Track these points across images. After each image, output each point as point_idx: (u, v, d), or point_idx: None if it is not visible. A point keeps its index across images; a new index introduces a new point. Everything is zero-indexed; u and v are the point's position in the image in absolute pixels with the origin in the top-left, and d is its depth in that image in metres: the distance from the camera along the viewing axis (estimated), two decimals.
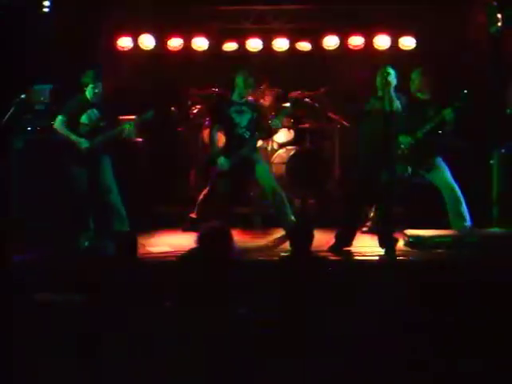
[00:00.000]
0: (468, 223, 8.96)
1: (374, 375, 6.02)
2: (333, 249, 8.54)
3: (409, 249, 8.69)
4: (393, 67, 8.68)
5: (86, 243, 8.74)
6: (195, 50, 11.47)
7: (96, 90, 8.90)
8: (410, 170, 9.09)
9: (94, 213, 8.98)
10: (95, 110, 8.94)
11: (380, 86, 8.60)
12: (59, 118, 8.89)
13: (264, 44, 11.47)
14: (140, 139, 10.57)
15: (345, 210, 8.97)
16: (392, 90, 8.56)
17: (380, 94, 8.59)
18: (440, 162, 9.09)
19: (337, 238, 8.64)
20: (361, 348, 6.11)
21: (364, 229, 9.55)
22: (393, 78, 8.61)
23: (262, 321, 6.24)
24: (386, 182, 8.43)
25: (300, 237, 6.63)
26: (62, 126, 8.87)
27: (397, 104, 8.54)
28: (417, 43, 11.28)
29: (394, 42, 11.32)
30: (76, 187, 8.92)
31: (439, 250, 8.55)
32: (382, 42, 11.31)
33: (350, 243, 8.68)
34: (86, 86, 8.93)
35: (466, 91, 8.89)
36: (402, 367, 6.08)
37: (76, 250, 8.61)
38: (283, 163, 10.86)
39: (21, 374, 6.04)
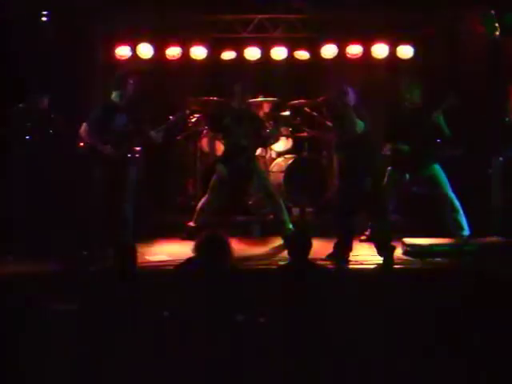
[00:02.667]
0: (466, 232, 8.97)
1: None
2: (331, 257, 8.54)
3: (407, 257, 8.69)
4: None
5: (86, 252, 8.71)
6: (193, 59, 11.46)
7: (121, 96, 8.90)
8: (407, 177, 9.11)
9: (98, 222, 8.91)
10: (123, 116, 8.93)
11: None
12: (84, 125, 8.86)
13: (262, 53, 11.46)
14: (138, 148, 10.57)
15: (340, 219, 8.95)
16: None
17: None
18: (438, 170, 9.08)
19: (335, 247, 8.64)
20: (358, 354, 6.13)
21: (362, 237, 9.55)
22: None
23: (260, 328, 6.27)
24: (375, 191, 8.48)
25: (298, 245, 6.63)
26: (87, 133, 8.83)
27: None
28: (415, 52, 11.28)
29: (392, 51, 11.32)
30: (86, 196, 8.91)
31: (437, 259, 8.55)
32: (380, 51, 11.31)
33: (348, 252, 8.68)
34: (111, 93, 8.95)
35: (452, 93, 8.91)
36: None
37: (76, 259, 8.60)
38: (281, 172, 10.87)
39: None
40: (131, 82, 8.96)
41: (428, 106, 9.09)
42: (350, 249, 8.70)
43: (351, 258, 8.65)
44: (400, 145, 9.01)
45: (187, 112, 11.25)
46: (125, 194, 8.90)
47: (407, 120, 9.00)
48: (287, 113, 11.26)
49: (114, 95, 8.95)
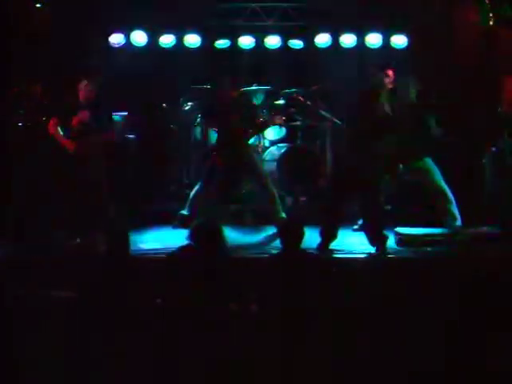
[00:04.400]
0: (458, 222, 8.98)
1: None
2: (320, 247, 8.55)
3: (399, 247, 8.71)
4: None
5: (78, 240, 8.72)
6: (187, 47, 11.46)
7: (89, 91, 8.89)
8: (401, 167, 9.11)
9: (85, 210, 8.92)
10: (87, 112, 8.91)
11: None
12: (51, 118, 8.88)
13: (256, 41, 11.47)
14: (132, 136, 10.58)
15: (329, 206, 8.97)
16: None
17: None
18: (429, 162, 9.08)
19: (321, 235, 8.65)
20: (351, 343, 6.15)
21: (355, 227, 9.56)
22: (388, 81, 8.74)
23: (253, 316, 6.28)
24: (377, 181, 8.49)
25: (291, 234, 6.64)
26: (53, 127, 8.84)
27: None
28: (409, 42, 11.29)
29: (386, 41, 11.32)
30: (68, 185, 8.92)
31: (429, 249, 8.57)
32: (373, 40, 11.32)
33: (334, 237, 8.68)
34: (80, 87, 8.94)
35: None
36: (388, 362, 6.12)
37: (68, 246, 8.60)
38: (275, 160, 10.86)
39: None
40: (86, 83, 8.92)
41: (421, 100, 9.09)
42: (334, 236, 8.71)
43: (343, 247, 8.66)
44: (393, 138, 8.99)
45: (181, 100, 11.27)
46: (94, 187, 8.91)
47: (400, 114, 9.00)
48: (281, 101, 11.25)
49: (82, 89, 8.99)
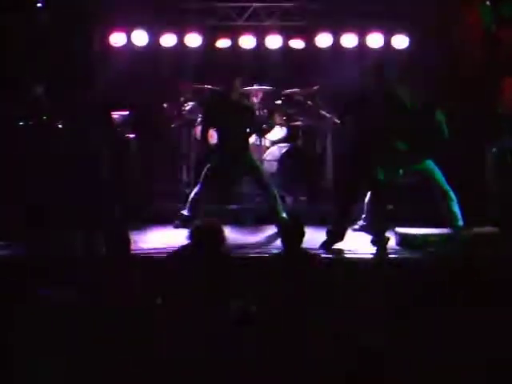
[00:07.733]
0: (460, 222, 8.98)
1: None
2: (324, 246, 8.55)
3: (400, 247, 8.70)
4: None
5: (81, 240, 8.71)
6: (188, 47, 11.46)
7: None
8: (401, 172, 9.10)
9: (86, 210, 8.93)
10: None
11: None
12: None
13: (257, 41, 11.46)
14: (132, 135, 10.57)
15: (336, 207, 8.97)
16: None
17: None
18: (431, 164, 9.07)
19: (328, 235, 8.65)
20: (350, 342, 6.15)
21: (355, 227, 9.55)
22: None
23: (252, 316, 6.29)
24: (379, 181, 8.50)
25: (291, 234, 6.64)
26: None
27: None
28: (410, 42, 11.29)
29: (387, 41, 11.32)
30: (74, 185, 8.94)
31: (430, 249, 8.56)
32: (374, 40, 11.31)
33: (341, 240, 8.69)
34: None
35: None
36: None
37: (70, 247, 8.60)
38: (275, 160, 10.85)
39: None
40: None
41: (423, 104, 9.09)
42: (342, 236, 8.71)
43: (344, 247, 8.66)
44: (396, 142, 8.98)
45: (182, 100, 11.26)
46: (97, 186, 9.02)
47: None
48: (281, 101, 11.24)
49: None
